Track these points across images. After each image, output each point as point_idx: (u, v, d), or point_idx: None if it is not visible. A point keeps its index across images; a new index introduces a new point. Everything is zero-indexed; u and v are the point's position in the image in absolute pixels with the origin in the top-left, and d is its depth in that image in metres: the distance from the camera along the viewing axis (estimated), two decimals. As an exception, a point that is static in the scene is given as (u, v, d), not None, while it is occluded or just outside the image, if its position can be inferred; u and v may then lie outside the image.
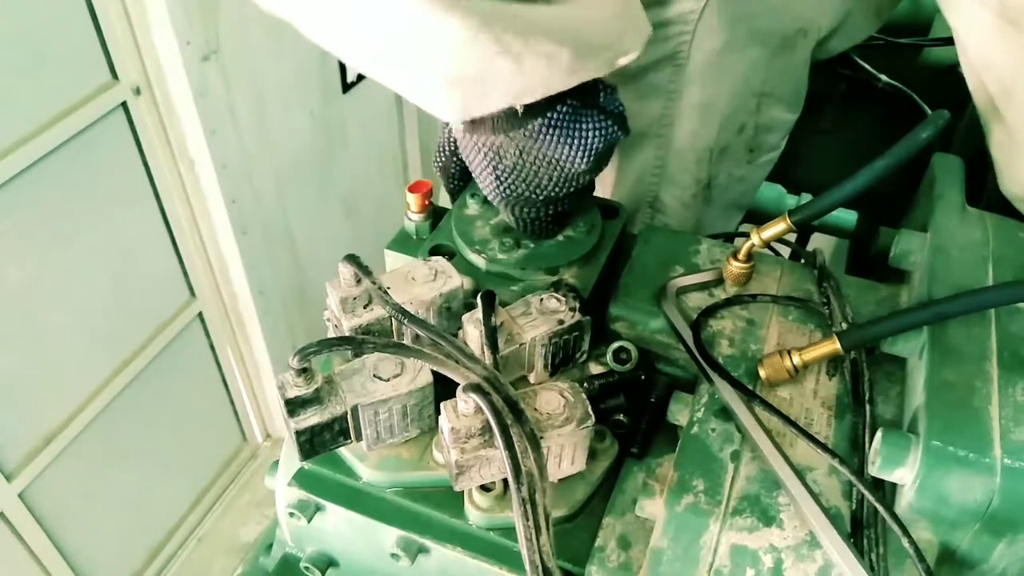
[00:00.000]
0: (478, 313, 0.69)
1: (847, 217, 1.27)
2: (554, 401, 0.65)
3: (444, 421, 0.62)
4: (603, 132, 0.73)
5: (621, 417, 0.73)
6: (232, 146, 2.07)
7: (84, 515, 2.13)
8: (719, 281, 0.80)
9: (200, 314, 2.36)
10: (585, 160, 0.73)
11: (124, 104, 1.84)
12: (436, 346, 0.66)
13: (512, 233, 0.84)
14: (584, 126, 0.72)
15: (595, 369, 0.77)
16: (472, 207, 0.88)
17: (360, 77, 2.50)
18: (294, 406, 0.64)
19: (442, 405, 0.63)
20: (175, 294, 2.26)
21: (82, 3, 1.67)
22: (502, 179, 0.76)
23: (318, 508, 0.73)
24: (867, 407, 0.69)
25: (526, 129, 0.71)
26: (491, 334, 0.67)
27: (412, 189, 0.89)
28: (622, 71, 0.80)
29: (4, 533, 1.88)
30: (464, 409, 0.61)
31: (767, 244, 0.76)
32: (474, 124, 0.71)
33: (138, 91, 1.85)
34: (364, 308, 0.73)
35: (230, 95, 2.02)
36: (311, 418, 0.65)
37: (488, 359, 0.66)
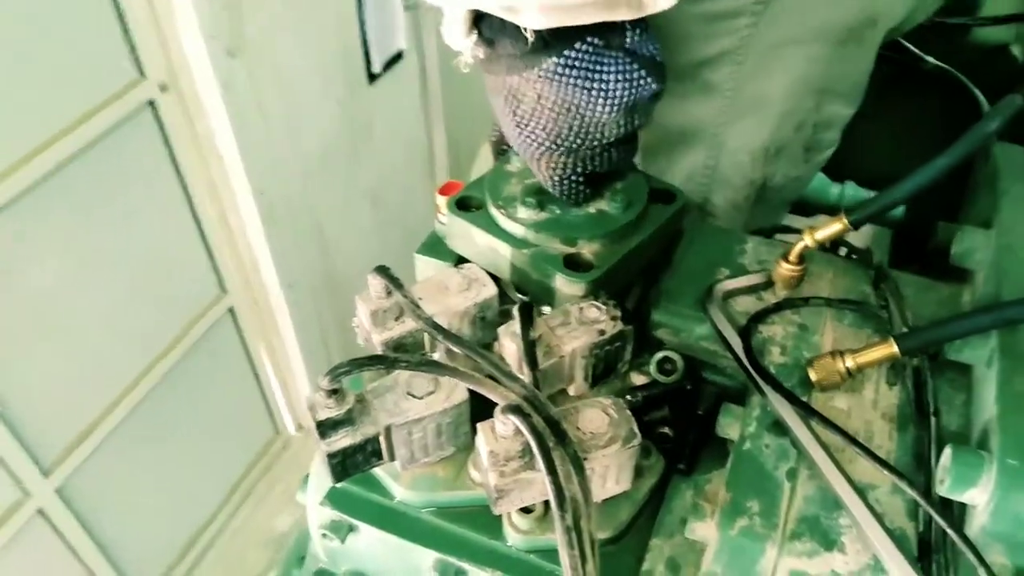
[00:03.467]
0: (515, 326, 0.66)
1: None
2: (597, 419, 0.61)
3: (482, 443, 0.59)
4: (628, 78, 0.66)
5: (666, 431, 0.70)
6: (260, 140, 2.05)
7: (120, 509, 2.14)
8: (768, 284, 0.76)
9: (231, 309, 2.35)
10: (607, 109, 0.67)
11: (151, 102, 1.82)
12: (471, 362, 0.63)
13: (541, 195, 0.78)
14: (605, 69, 0.65)
15: (637, 379, 0.73)
16: (514, 163, 0.83)
17: (386, 67, 2.47)
18: (325, 428, 0.61)
19: (479, 427, 0.60)
20: (206, 289, 2.26)
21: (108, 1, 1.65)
22: (521, 126, 0.71)
23: (351, 528, 0.70)
24: (932, 419, 0.65)
25: (541, 69, 0.65)
26: (530, 349, 0.63)
27: (443, 191, 0.86)
28: (673, 68, 0.75)
29: (43, 528, 1.89)
30: (503, 431, 0.58)
31: (821, 245, 0.71)
32: (491, 62, 0.67)
33: (165, 88, 1.83)
34: (395, 320, 0.70)
35: (256, 89, 2.00)
36: (343, 439, 0.62)
37: (527, 376, 0.62)
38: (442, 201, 0.86)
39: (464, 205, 0.81)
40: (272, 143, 2.11)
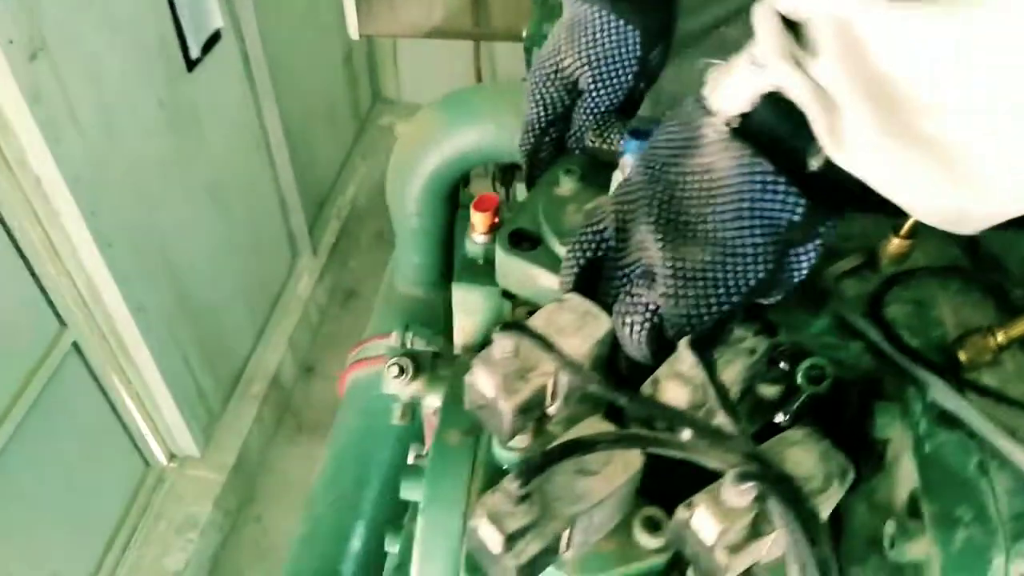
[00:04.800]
0: (682, 366, 0.56)
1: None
2: (805, 459, 0.54)
3: (706, 524, 0.50)
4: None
5: (818, 443, 0.63)
6: (79, 152, 1.80)
7: (-2, 578, 1.87)
8: (869, 262, 0.71)
9: (75, 343, 2.09)
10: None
11: (-54, 129, 1.52)
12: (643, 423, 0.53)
13: None
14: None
15: (765, 391, 0.67)
16: (565, 186, 0.74)
17: (205, 51, 2.22)
18: (515, 539, 0.50)
19: (699, 503, 0.50)
20: (43, 327, 1.99)
21: None
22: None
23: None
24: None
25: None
26: (724, 394, 0.54)
27: (478, 207, 0.74)
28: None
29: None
30: (737, 502, 0.49)
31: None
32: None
33: (-41, 109, 1.54)
34: (521, 380, 0.58)
35: (66, 95, 1.74)
36: (532, 546, 0.51)
37: (731, 427, 0.54)
38: (479, 219, 0.75)
39: (518, 240, 0.70)
40: (93, 154, 1.85)
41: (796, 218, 0.54)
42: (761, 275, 0.56)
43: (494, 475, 0.65)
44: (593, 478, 0.53)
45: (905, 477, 0.62)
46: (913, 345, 0.66)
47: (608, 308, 0.62)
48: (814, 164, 0.52)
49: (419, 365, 0.80)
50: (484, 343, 0.81)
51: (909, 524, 0.59)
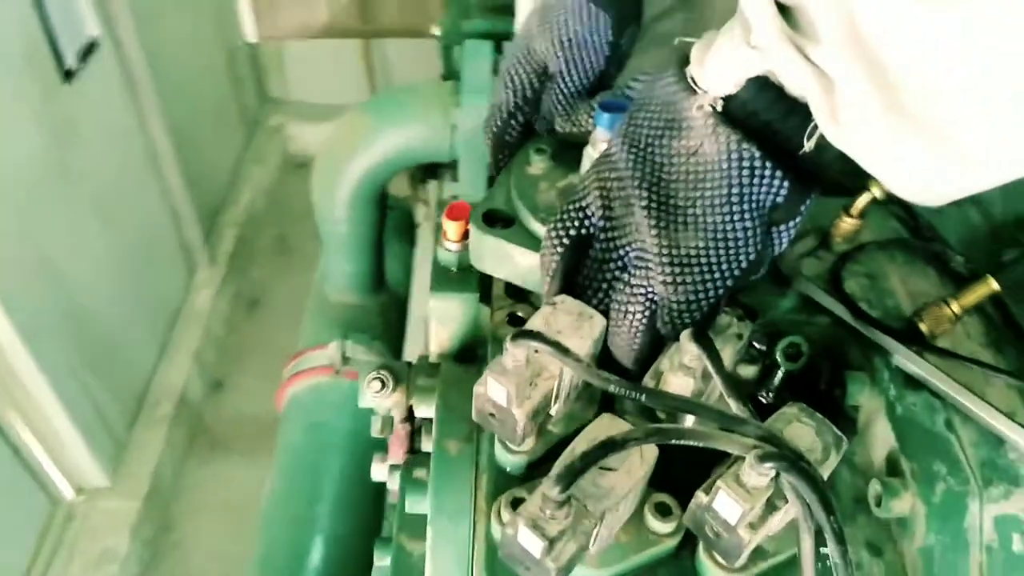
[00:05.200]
0: (684, 357, 0.59)
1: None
2: (805, 435, 0.58)
3: (729, 505, 0.53)
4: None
5: (799, 416, 0.67)
6: None
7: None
8: (822, 243, 0.76)
9: (-42, 379, 1.95)
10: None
11: None
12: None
13: None
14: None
15: (743, 371, 0.70)
16: (537, 165, 0.74)
17: (82, 60, 2.10)
18: (555, 542, 0.51)
19: (722, 486, 0.53)
20: None
21: None
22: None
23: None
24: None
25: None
26: (732, 381, 0.57)
27: (452, 215, 0.74)
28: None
29: None
30: (756, 483, 0.52)
31: (889, 196, 0.72)
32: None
33: None
34: (531, 387, 0.59)
35: None
36: (569, 546, 0.52)
37: (743, 412, 0.56)
38: (452, 227, 0.75)
39: (491, 220, 0.71)
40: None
41: (780, 199, 0.57)
42: (752, 257, 0.59)
43: (499, 479, 0.66)
44: (615, 474, 0.55)
45: (879, 439, 0.67)
46: (874, 316, 0.71)
47: (593, 293, 0.63)
48: (808, 146, 0.54)
49: (397, 377, 0.80)
50: (461, 350, 0.82)
51: (891, 482, 0.63)
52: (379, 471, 1.03)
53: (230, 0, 2.93)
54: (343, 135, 1.28)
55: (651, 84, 0.64)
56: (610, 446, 0.51)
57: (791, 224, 0.60)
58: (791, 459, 0.51)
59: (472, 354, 0.82)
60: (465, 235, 0.76)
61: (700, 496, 0.55)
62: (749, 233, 0.58)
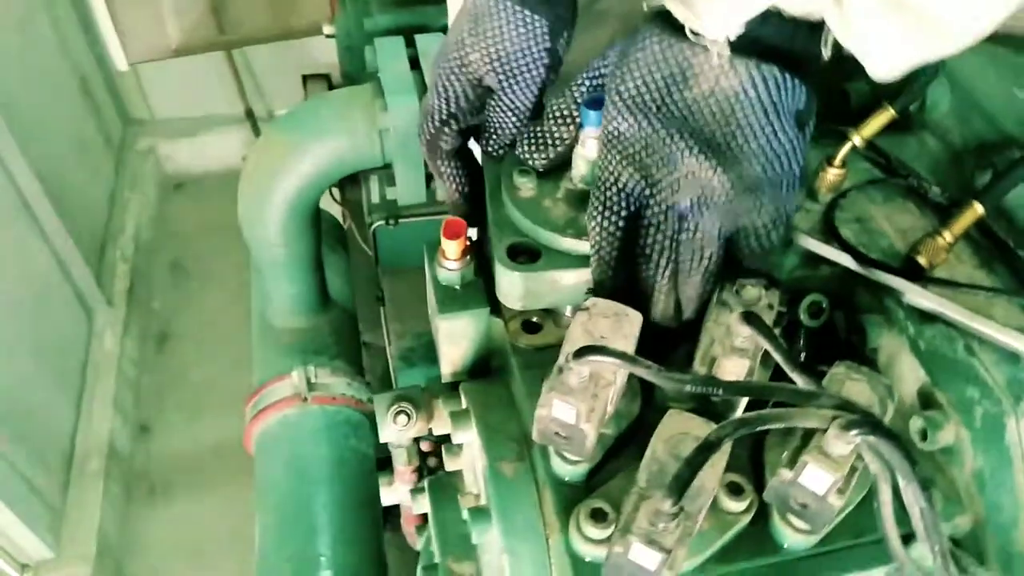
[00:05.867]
0: (735, 340, 0.60)
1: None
2: (862, 391, 0.60)
3: (819, 476, 0.54)
4: None
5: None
6: None
7: None
8: (811, 192, 0.78)
9: None
10: None
11: None
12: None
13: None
14: None
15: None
16: (525, 187, 0.73)
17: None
18: (670, 552, 0.51)
19: (809, 460, 0.54)
20: None
21: None
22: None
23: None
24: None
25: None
26: (795, 357, 0.58)
27: (449, 234, 0.72)
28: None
29: None
30: (841, 451, 0.54)
31: (869, 143, 0.74)
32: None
33: None
34: (593, 398, 0.59)
35: None
36: (680, 551, 0.53)
37: (811, 384, 0.58)
38: (451, 246, 0.73)
39: (514, 255, 0.70)
40: None
41: (802, 105, 0.63)
42: (803, 160, 0.64)
43: (562, 491, 0.65)
44: (703, 471, 0.56)
45: (907, 376, 0.70)
46: (876, 258, 0.74)
47: (660, 256, 0.65)
48: (826, 54, 0.60)
49: (416, 405, 0.78)
50: (474, 367, 0.80)
51: (932, 415, 0.66)
52: (389, 495, 1.01)
53: (71, 26, 2.76)
54: (264, 157, 1.22)
55: (630, 53, 0.65)
56: (708, 448, 0.51)
57: (811, 123, 0.65)
58: (874, 423, 0.53)
59: (485, 368, 0.81)
60: (465, 252, 0.74)
61: (784, 473, 0.56)
62: (794, 141, 0.63)
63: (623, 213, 0.66)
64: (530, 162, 0.74)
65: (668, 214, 0.65)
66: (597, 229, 0.66)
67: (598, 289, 0.68)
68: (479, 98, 0.76)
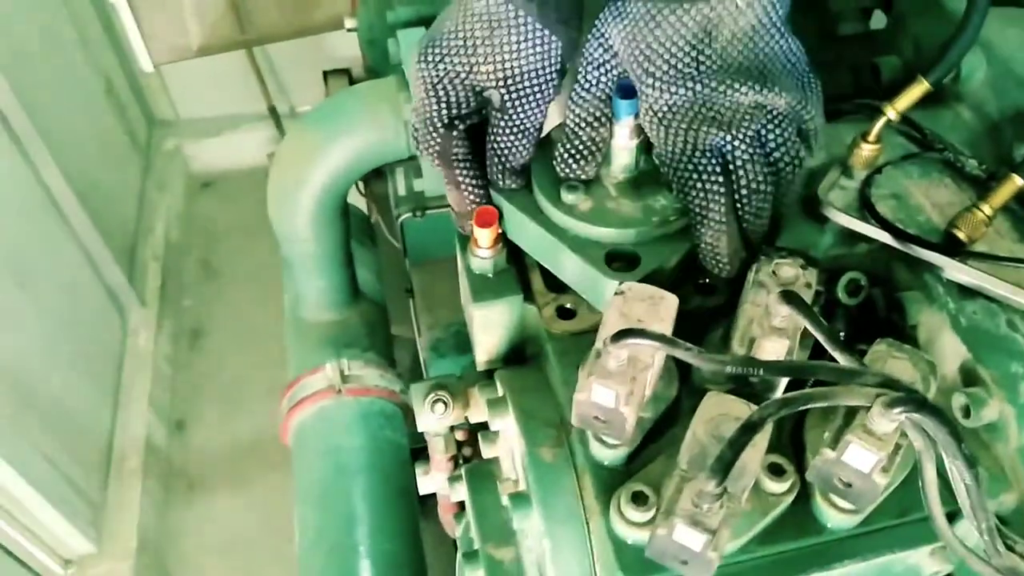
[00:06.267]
0: (774, 320, 0.59)
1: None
2: (905, 368, 0.59)
3: (863, 455, 0.54)
4: None
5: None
6: None
7: None
8: (845, 171, 0.77)
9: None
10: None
11: None
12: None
13: (657, 182, 0.74)
14: None
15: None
16: (581, 198, 0.72)
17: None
18: (715, 533, 0.51)
19: (853, 439, 0.54)
20: None
21: None
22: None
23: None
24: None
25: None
26: (833, 334, 0.57)
27: (482, 222, 0.72)
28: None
29: None
30: (886, 429, 0.53)
31: (903, 117, 0.73)
32: None
33: None
34: (632, 381, 0.59)
35: None
36: (724, 530, 0.53)
37: (853, 362, 0.57)
38: (483, 234, 0.73)
39: (614, 262, 0.71)
40: None
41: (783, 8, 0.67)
42: (805, 56, 0.70)
43: (601, 475, 0.65)
44: (746, 451, 0.55)
45: (948, 353, 0.70)
46: (912, 233, 0.73)
47: (753, 197, 0.69)
48: None
49: (453, 393, 0.78)
50: (508, 354, 0.80)
51: (975, 392, 0.66)
52: (427, 484, 1.02)
53: (93, 29, 2.78)
54: (292, 154, 1.23)
55: (638, 33, 0.67)
56: (750, 428, 0.51)
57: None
58: (919, 401, 0.52)
59: (519, 355, 0.81)
60: (497, 240, 0.74)
61: (827, 452, 0.56)
62: (796, 44, 0.69)
63: (718, 168, 0.68)
64: (580, 176, 0.73)
65: (754, 145, 0.68)
66: (703, 194, 0.69)
67: (711, 251, 0.71)
68: (479, 104, 0.73)
